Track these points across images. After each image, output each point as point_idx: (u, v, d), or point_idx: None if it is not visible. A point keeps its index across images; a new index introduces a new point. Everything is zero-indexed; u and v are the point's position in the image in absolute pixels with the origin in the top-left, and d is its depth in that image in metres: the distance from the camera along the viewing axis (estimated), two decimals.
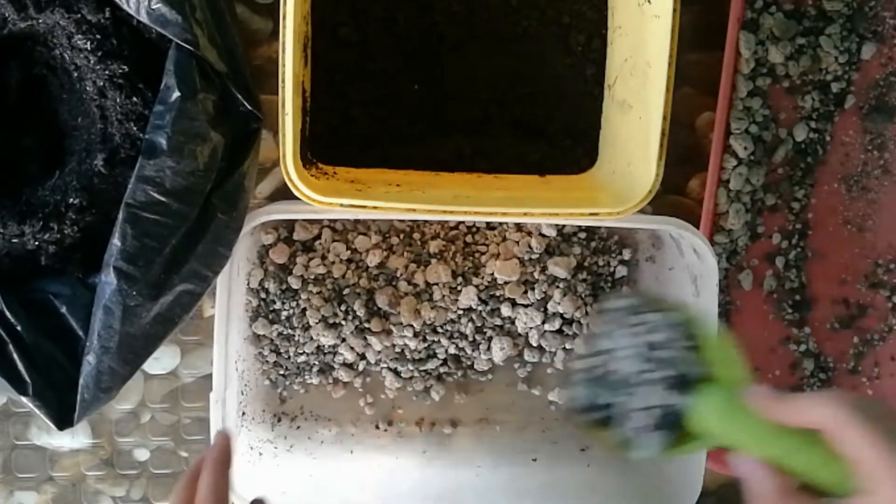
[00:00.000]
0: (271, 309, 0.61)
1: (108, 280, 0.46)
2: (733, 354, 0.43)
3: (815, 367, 0.64)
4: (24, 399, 0.48)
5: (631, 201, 0.51)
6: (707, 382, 0.41)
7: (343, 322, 0.61)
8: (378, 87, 0.57)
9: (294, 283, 0.60)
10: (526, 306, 0.62)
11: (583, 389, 0.45)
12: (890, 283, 0.64)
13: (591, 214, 0.51)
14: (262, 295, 0.61)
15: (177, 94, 0.46)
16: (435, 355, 0.62)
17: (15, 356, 0.48)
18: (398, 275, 0.61)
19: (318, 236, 0.61)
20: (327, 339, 0.61)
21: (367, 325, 0.61)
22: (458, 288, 0.61)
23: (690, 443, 0.42)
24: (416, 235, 0.61)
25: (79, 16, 0.48)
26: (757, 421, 0.39)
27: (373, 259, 0.60)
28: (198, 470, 0.44)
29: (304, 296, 0.60)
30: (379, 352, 0.62)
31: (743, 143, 0.60)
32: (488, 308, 0.62)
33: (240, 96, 0.49)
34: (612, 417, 0.44)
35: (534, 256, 0.61)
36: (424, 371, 0.63)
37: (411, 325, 0.61)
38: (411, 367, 0.62)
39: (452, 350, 0.62)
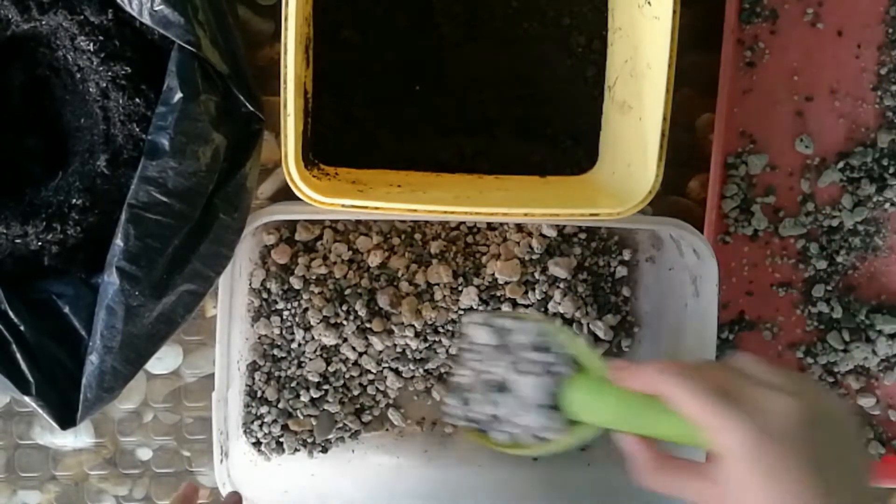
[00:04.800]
0: (273, 309, 0.61)
1: (110, 280, 0.46)
2: (592, 350, 0.48)
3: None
4: (27, 399, 0.48)
5: (631, 202, 0.51)
6: (572, 377, 0.47)
7: (344, 322, 0.61)
8: (379, 89, 0.57)
9: (296, 284, 0.60)
10: (526, 306, 0.62)
11: (459, 401, 0.50)
12: None
13: (592, 215, 0.52)
14: (264, 295, 0.61)
15: (179, 95, 0.46)
16: (436, 355, 0.63)
17: (18, 356, 0.48)
18: (399, 275, 0.61)
19: (320, 237, 0.61)
20: (329, 339, 0.61)
21: (368, 325, 0.61)
22: (459, 288, 0.61)
23: (574, 433, 0.48)
24: (418, 236, 0.61)
25: (82, 17, 0.48)
26: (616, 398, 0.45)
27: (374, 259, 0.61)
28: None
29: (305, 296, 0.60)
30: (380, 351, 0.62)
31: None
32: (489, 308, 0.62)
33: (242, 97, 0.49)
34: (495, 422, 0.49)
35: (534, 257, 0.61)
36: (426, 371, 0.63)
37: (412, 325, 0.61)
38: (412, 367, 0.62)
39: (453, 350, 0.62)
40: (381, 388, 0.63)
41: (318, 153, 0.55)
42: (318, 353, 0.62)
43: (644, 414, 0.44)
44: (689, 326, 0.60)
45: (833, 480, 0.38)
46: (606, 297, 0.63)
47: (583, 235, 0.62)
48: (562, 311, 0.62)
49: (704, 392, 0.40)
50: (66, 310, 0.50)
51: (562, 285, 0.62)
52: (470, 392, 0.50)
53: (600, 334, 0.63)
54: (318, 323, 0.60)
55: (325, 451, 0.63)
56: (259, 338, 0.62)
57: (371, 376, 0.63)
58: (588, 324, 0.62)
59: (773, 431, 0.38)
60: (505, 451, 0.50)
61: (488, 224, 0.62)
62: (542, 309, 0.62)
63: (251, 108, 0.50)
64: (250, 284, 0.61)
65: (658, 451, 0.44)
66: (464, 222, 0.61)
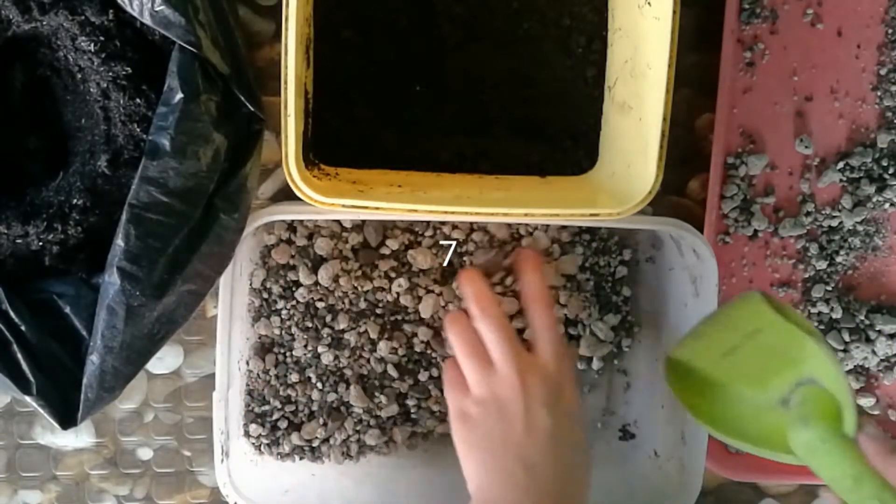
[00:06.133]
0: (273, 309, 0.61)
1: (111, 280, 0.46)
2: (852, 396, 0.42)
3: None
4: (28, 398, 0.48)
5: (631, 202, 0.51)
6: (813, 410, 0.42)
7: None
8: (380, 89, 0.57)
9: (298, 284, 0.60)
10: None
11: None
12: None
13: (592, 215, 0.52)
14: (265, 295, 0.61)
15: (180, 95, 0.46)
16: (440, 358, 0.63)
17: (19, 356, 0.48)
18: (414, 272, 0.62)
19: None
20: (329, 340, 0.61)
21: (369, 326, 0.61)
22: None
23: (774, 449, 0.44)
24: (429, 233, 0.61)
25: (82, 18, 0.48)
26: (854, 467, 0.38)
27: (384, 265, 0.61)
28: None
29: (306, 297, 0.60)
30: (381, 358, 0.62)
31: None
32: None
33: (242, 98, 0.49)
34: None
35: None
36: (431, 376, 0.63)
37: (424, 323, 0.61)
38: (415, 368, 0.63)
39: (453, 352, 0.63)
40: (384, 387, 0.63)
41: (318, 153, 0.55)
42: (318, 352, 0.62)
43: (880, 496, 0.38)
44: (689, 326, 0.60)
45: None
46: (607, 297, 0.63)
47: (586, 236, 0.62)
48: (566, 313, 0.62)
49: None
50: (67, 310, 0.50)
51: (568, 285, 0.62)
52: None
53: (600, 335, 0.63)
54: (320, 325, 0.61)
55: (325, 451, 0.63)
56: (259, 337, 0.62)
57: (374, 377, 0.63)
58: (590, 325, 0.63)
59: None
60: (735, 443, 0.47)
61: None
62: None
63: (252, 109, 0.50)
64: (251, 284, 0.61)
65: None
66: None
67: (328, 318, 0.61)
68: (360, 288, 0.61)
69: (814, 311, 0.64)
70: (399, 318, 0.62)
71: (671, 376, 0.52)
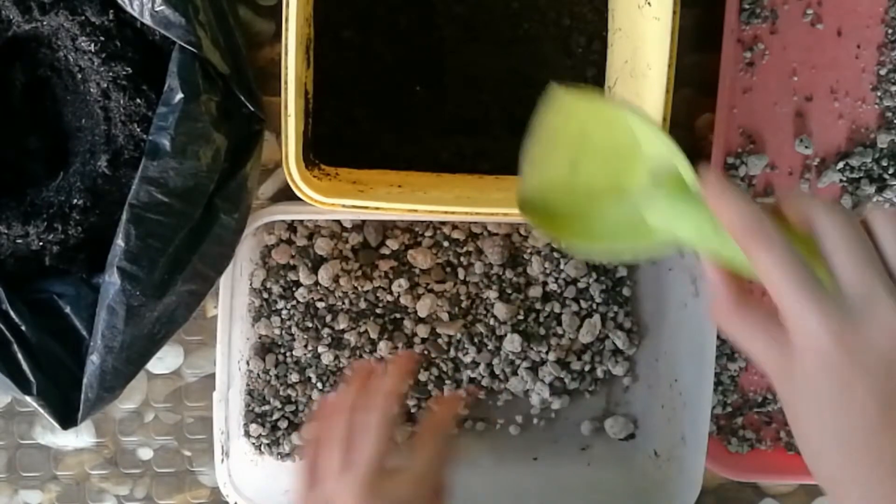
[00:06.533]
0: (273, 309, 0.61)
1: (111, 280, 0.46)
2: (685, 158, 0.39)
3: None
4: (28, 398, 0.48)
5: None
6: (661, 179, 0.39)
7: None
8: (380, 89, 0.57)
9: (297, 285, 0.60)
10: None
11: None
12: None
13: None
14: (265, 295, 0.61)
15: (180, 95, 0.46)
16: (445, 355, 0.63)
17: (19, 356, 0.48)
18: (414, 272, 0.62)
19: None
20: (329, 340, 0.61)
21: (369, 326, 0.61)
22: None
23: (645, 238, 0.40)
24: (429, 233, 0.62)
25: (83, 18, 0.48)
26: (703, 214, 0.36)
27: (384, 265, 0.61)
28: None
29: (306, 297, 0.61)
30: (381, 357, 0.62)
31: None
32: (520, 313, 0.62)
33: (242, 98, 0.49)
34: None
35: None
36: (436, 377, 0.63)
37: (424, 323, 0.61)
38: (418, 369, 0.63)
39: (453, 353, 0.63)
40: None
41: (318, 153, 0.55)
42: (319, 352, 0.62)
43: (728, 240, 0.35)
44: (689, 326, 0.60)
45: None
46: (608, 297, 0.63)
47: None
48: (574, 310, 0.62)
49: (795, 275, 0.32)
50: (68, 310, 0.50)
51: (579, 285, 0.62)
52: None
53: (601, 335, 0.63)
54: (321, 325, 0.61)
55: None
56: (260, 337, 0.62)
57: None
58: (590, 325, 0.63)
59: (867, 349, 0.31)
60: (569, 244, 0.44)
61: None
62: (559, 309, 0.62)
63: (252, 109, 0.50)
64: (251, 284, 0.61)
65: (743, 288, 0.36)
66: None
67: (328, 318, 0.61)
68: (360, 288, 0.61)
69: None
70: (399, 318, 0.62)
71: (529, 214, 0.46)
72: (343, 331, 0.61)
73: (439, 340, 0.62)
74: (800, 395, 0.33)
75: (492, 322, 0.63)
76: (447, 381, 0.63)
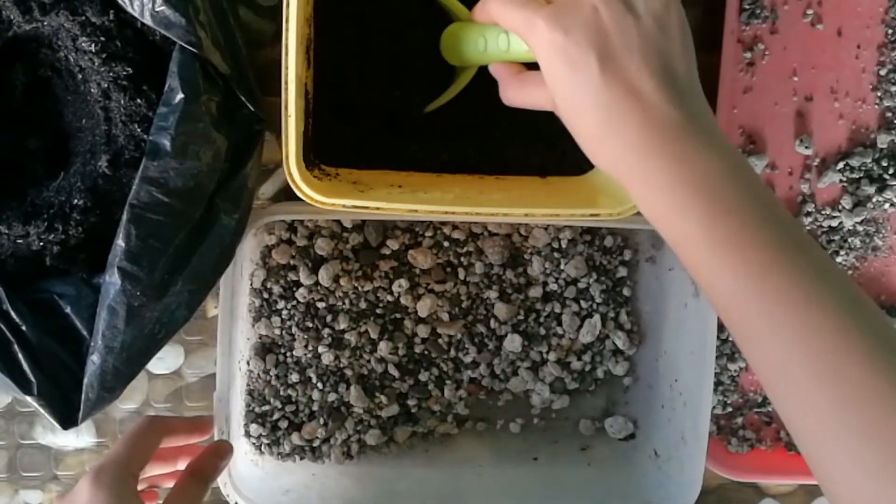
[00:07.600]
0: (274, 309, 0.61)
1: (112, 280, 0.46)
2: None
3: None
4: (28, 398, 0.48)
5: (631, 202, 0.51)
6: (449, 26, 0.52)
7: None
8: (380, 89, 0.57)
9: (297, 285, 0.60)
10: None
11: None
12: None
13: (592, 215, 0.52)
14: (265, 295, 0.61)
15: (180, 95, 0.46)
16: (444, 355, 0.63)
17: (20, 356, 0.48)
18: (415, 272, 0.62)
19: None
20: (329, 341, 0.61)
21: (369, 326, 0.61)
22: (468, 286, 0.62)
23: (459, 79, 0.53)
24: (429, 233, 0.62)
25: (83, 18, 0.48)
26: (477, 33, 0.49)
27: (384, 265, 0.61)
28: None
29: (306, 297, 0.61)
30: (381, 358, 0.62)
31: None
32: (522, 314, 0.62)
33: (243, 98, 0.49)
34: None
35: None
36: (436, 376, 0.63)
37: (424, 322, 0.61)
38: (418, 367, 0.63)
39: (453, 353, 0.63)
40: (384, 387, 0.63)
41: (318, 153, 0.55)
42: (319, 352, 0.62)
43: (498, 41, 0.48)
44: (689, 326, 0.60)
45: (634, 71, 0.40)
46: (608, 297, 0.63)
47: (587, 236, 0.62)
48: (574, 310, 0.62)
49: (516, 3, 0.42)
50: (68, 310, 0.50)
51: (580, 285, 0.62)
52: None
53: (601, 335, 0.63)
54: (321, 325, 0.61)
55: (326, 451, 0.63)
56: (260, 338, 0.62)
57: (374, 377, 0.63)
58: (591, 325, 0.63)
59: (570, 25, 0.40)
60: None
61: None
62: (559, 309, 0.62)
63: (252, 109, 0.50)
64: (251, 284, 0.61)
65: (520, 69, 0.47)
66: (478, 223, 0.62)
67: (328, 319, 0.61)
68: (360, 288, 0.61)
69: None
70: (399, 318, 0.62)
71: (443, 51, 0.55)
72: (343, 331, 0.61)
73: (440, 340, 0.62)
74: (553, 80, 0.42)
75: (492, 322, 0.63)
76: (447, 381, 0.63)
